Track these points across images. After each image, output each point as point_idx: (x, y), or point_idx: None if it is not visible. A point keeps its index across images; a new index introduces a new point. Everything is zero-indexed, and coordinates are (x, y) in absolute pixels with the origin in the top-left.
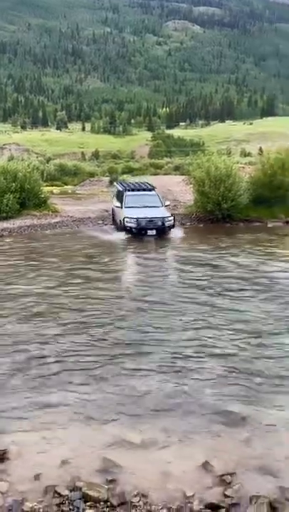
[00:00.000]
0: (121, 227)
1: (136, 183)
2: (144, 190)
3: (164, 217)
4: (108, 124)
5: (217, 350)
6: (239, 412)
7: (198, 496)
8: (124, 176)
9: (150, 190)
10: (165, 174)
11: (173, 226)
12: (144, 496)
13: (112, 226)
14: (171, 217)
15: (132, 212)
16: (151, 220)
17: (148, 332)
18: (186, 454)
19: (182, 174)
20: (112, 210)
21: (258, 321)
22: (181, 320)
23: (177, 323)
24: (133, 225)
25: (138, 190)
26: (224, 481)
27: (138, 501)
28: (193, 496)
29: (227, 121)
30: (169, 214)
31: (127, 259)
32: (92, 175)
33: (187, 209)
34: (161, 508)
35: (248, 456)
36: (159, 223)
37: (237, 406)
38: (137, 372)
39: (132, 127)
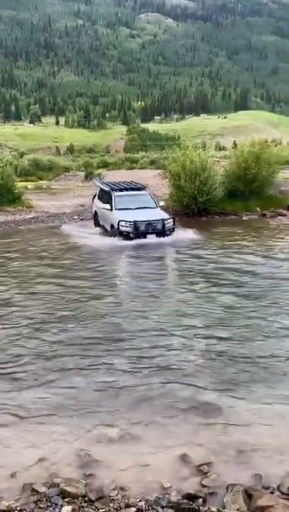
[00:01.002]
0: (113, 232)
1: (123, 182)
2: (133, 189)
3: (164, 220)
4: (83, 117)
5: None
6: (216, 403)
7: (175, 486)
8: (100, 170)
9: (140, 189)
10: (141, 168)
11: (173, 229)
12: (122, 489)
13: (97, 229)
14: (171, 220)
15: (126, 215)
16: (151, 223)
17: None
18: (164, 446)
19: (158, 168)
20: (95, 213)
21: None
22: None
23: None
24: (130, 230)
25: (127, 189)
26: (201, 471)
27: (116, 495)
28: (170, 487)
29: (202, 115)
30: (168, 216)
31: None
32: (67, 170)
33: (163, 203)
34: (139, 501)
35: (224, 445)
36: (159, 226)
37: (214, 397)
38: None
39: (106, 121)
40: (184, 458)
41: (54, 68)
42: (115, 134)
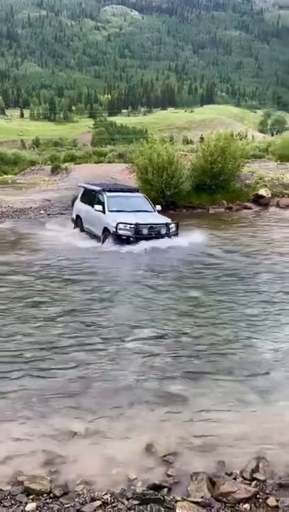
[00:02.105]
0: (106, 236)
1: (113, 184)
2: (125, 191)
3: (168, 224)
4: (48, 110)
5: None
6: (181, 394)
7: (141, 478)
8: (67, 164)
9: (134, 191)
10: (109, 162)
11: (176, 234)
12: (87, 483)
13: (78, 231)
14: (173, 224)
15: (124, 218)
16: (153, 227)
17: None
18: (130, 439)
19: (126, 162)
20: (77, 217)
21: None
22: None
23: None
24: (130, 233)
25: (119, 191)
26: (167, 461)
27: (81, 489)
28: (136, 478)
29: (169, 109)
30: (170, 220)
31: None
32: (33, 163)
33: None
34: (105, 494)
35: (189, 435)
36: (163, 231)
37: (179, 388)
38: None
39: (73, 114)
40: (149, 449)
41: (17, 59)
42: (82, 128)
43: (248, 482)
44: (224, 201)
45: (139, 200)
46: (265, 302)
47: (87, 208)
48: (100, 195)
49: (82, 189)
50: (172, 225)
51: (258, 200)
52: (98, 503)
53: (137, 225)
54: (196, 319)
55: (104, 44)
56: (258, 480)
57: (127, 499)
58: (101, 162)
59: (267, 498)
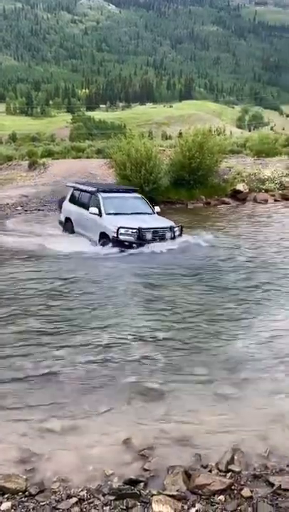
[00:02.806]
0: (104, 242)
1: (105, 184)
2: (121, 191)
3: (172, 228)
4: (25, 104)
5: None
6: (159, 388)
7: (118, 473)
8: (44, 159)
9: (131, 191)
10: (87, 157)
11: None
12: (63, 480)
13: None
14: (178, 228)
15: (125, 222)
16: (157, 231)
17: None
18: (107, 435)
19: (104, 157)
20: (66, 219)
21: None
22: None
23: None
24: (132, 239)
25: (114, 191)
26: (143, 455)
27: (58, 487)
28: (113, 474)
29: (147, 104)
30: (173, 223)
31: None
32: (9, 159)
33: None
34: (81, 490)
35: (166, 429)
36: (168, 236)
37: (156, 382)
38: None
39: (50, 109)
40: (126, 444)
41: None
42: (60, 122)
43: (223, 474)
44: (202, 196)
45: (137, 202)
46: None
47: (79, 209)
48: (94, 197)
49: (71, 189)
50: (176, 229)
51: (236, 195)
52: (74, 499)
53: (140, 229)
54: None
55: (81, 38)
56: (233, 471)
57: (104, 495)
58: (79, 157)
59: (241, 489)
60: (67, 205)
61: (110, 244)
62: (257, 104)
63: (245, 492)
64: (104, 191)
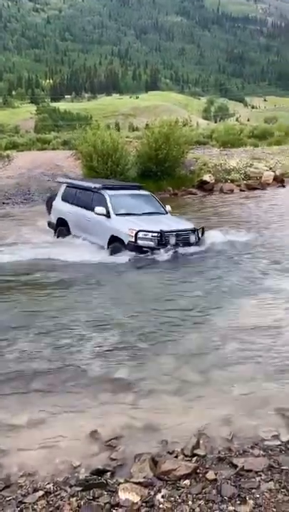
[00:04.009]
0: (116, 248)
1: (102, 179)
2: (127, 188)
3: (196, 230)
4: None
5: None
6: (125, 378)
7: (85, 464)
8: (8, 151)
9: (137, 188)
10: (53, 149)
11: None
12: (30, 474)
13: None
14: (200, 230)
15: (141, 224)
16: (180, 235)
17: None
18: (73, 427)
19: (70, 149)
20: (59, 221)
21: None
22: None
23: None
24: (153, 244)
25: (119, 188)
26: (110, 445)
27: (24, 481)
28: (80, 465)
29: (113, 95)
30: (193, 224)
31: None
32: None
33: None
34: (48, 483)
35: (133, 418)
36: (193, 239)
37: (123, 372)
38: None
39: (13, 99)
40: (93, 435)
41: None
42: (24, 113)
43: (189, 459)
44: (170, 187)
45: (147, 200)
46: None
47: (78, 210)
48: (98, 195)
49: (64, 186)
50: (199, 231)
51: (203, 185)
52: (41, 493)
53: (162, 233)
54: None
55: (44, 26)
56: (198, 456)
57: (70, 486)
58: (45, 149)
59: (206, 473)
60: (59, 204)
61: (125, 251)
62: (222, 95)
63: (210, 475)
64: (111, 188)
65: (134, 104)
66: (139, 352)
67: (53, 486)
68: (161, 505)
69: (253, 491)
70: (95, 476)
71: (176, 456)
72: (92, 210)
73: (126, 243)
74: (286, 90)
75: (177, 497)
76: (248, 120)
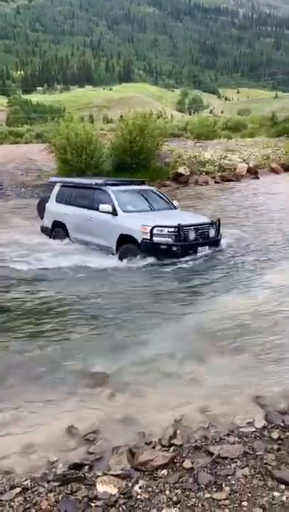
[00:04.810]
0: (127, 250)
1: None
2: (128, 183)
3: (214, 223)
4: None
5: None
6: (101, 371)
7: (62, 459)
8: None
9: (141, 183)
10: (26, 143)
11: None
12: (7, 472)
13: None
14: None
15: (154, 218)
16: (199, 229)
17: None
18: (50, 422)
19: (44, 142)
20: (55, 224)
21: None
22: None
23: None
24: (171, 241)
25: (122, 184)
26: (88, 439)
27: (1, 479)
28: (57, 460)
29: (86, 87)
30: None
31: None
32: None
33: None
34: (25, 480)
35: (111, 411)
36: (212, 234)
37: (100, 365)
38: None
39: None
40: (70, 430)
41: None
42: None
43: (166, 449)
44: (145, 180)
45: (153, 195)
46: None
47: (77, 210)
48: (100, 192)
49: (58, 186)
50: (217, 224)
51: (178, 178)
52: (18, 489)
53: (180, 227)
54: None
55: (14, 17)
56: (175, 445)
57: (48, 482)
58: (18, 143)
59: (183, 462)
60: (54, 206)
61: (138, 252)
62: (196, 87)
63: (187, 464)
64: (113, 184)
65: (108, 95)
66: (115, 344)
67: (31, 482)
68: (138, 496)
69: (229, 477)
70: (72, 471)
71: (154, 447)
72: (94, 209)
73: (139, 242)
74: (258, 82)
75: (155, 487)
76: (222, 112)
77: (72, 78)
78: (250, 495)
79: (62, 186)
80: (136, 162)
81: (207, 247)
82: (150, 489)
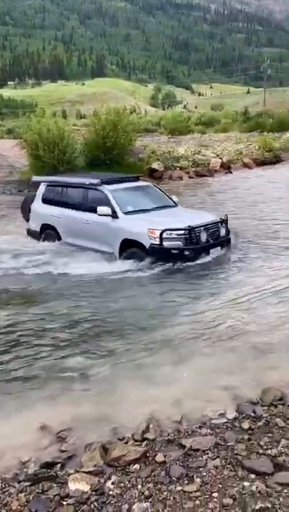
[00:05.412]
0: (131, 254)
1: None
2: (126, 181)
3: (224, 221)
4: None
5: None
6: (76, 368)
7: (34, 458)
8: None
9: (136, 179)
10: None
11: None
12: None
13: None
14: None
15: (160, 221)
16: (209, 229)
17: None
18: (22, 421)
19: (15, 138)
20: (44, 227)
21: None
22: None
23: None
24: (181, 244)
25: (118, 182)
26: (61, 437)
27: None
28: (29, 460)
29: (59, 81)
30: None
31: None
32: None
33: (23, 175)
34: None
35: (84, 408)
36: (223, 232)
37: (74, 362)
38: None
39: None
40: (42, 428)
41: None
42: None
43: (139, 443)
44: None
45: (151, 192)
46: None
47: (68, 212)
48: (94, 192)
49: (44, 185)
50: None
51: (152, 173)
52: None
53: (191, 229)
54: None
55: None
56: (148, 440)
57: (19, 482)
58: None
59: (155, 455)
60: (41, 207)
61: (146, 257)
62: (169, 82)
63: (159, 457)
64: (108, 182)
65: (81, 90)
66: (88, 341)
67: (1, 483)
68: (111, 492)
69: (201, 469)
70: (44, 470)
71: (127, 442)
72: (90, 210)
73: (147, 247)
74: (231, 77)
75: (127, 482)
76: (196, 107)
77: (44, 73)
78: (220, 486)
79: (49, 186)
80: (109, 158)
81: (219, 247)
82: (122, 484)
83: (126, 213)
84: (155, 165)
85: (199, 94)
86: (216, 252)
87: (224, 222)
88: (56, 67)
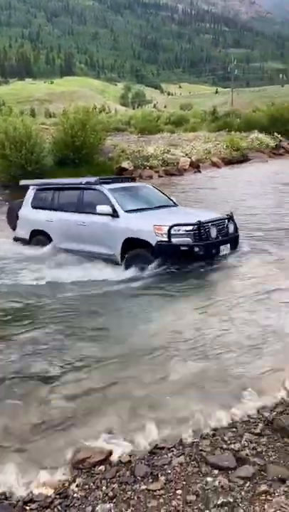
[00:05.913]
0: (136, 255)
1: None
2: (122, 181)
3: (232, 218)
4: None
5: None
6: (43, 372)
7: None
8: None
9: (131, 180)
10: None
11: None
12: None
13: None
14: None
15: (167, 217)
16: (217, 225)
17: None
18: None
19: None
20: (34, 232)
21: None
22: None
23: None
24: (190, 241)
25: (115, 182)
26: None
27: None
28: None
29: (26, 80)
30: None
31: None
32: None
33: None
34: None
35: (48, 414)
36: (231, 229)
37: (42, 367)
38: None
39: None
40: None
41: None
42: None
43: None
44: (89, 175)
45: (151, 192)
46: None
47: (62, 215)
48: (91, 192)
49: (33, 189)
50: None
51: (122, 172)
52: None
53: (200, 224)
54: None
55: None
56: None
57: None
58: None
59: (121, 456)
60: (30, 212)
61: (151, 259)
62: (138, 81)
63: (124, 457)
64: (105, 182)
65: (50, 89)
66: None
67: None
68: (75, 495)
69: (165, 467)
70: (7, 475)
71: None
72: (85, 212)
73: (153, 245)
74: (199, 77)
75: (91, 484)
76: (165, 107)
77: (11, 71)
78: (184, 482)
79: (39, 190)
80: (78, 157)
81: (229, 245)
82: (87, 486)
83: (127, 212)
84: (125, 164)
85: (169, 94)
86: (225, 250)
87: (231, 218)
88: (23, 65)
